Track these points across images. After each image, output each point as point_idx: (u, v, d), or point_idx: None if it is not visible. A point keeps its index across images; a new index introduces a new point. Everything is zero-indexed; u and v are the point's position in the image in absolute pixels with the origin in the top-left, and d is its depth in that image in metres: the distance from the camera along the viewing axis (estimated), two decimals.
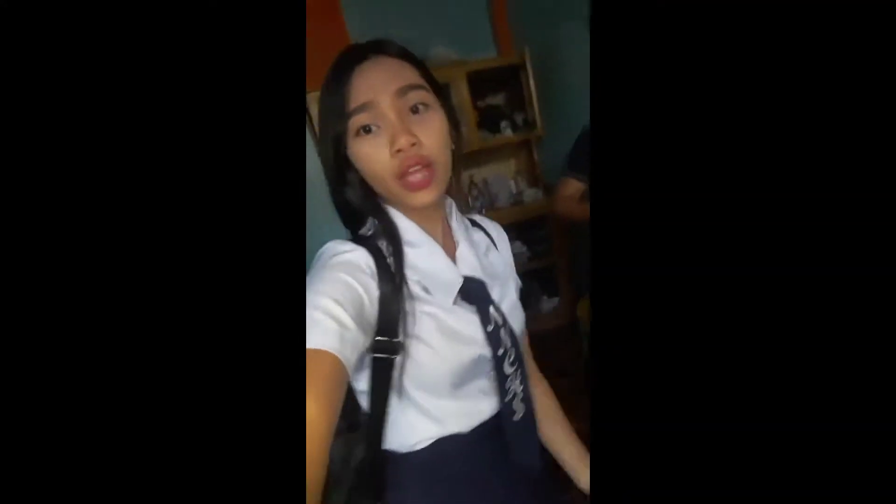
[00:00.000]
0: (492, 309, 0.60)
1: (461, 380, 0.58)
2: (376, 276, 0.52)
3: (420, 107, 0.53)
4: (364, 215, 0.59)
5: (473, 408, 0.60)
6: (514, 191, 2.78)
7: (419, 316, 0.55)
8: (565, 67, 2.20)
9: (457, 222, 0.64)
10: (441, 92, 0.57)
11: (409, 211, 0.58)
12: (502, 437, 0.61)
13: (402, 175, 0.51)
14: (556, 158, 2.28)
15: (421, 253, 0.58)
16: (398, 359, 0.54)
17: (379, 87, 0.51)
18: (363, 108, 0.51)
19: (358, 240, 0.56)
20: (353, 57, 0.53)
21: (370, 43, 0.55)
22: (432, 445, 0.58)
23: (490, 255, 0.68)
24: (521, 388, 0.63)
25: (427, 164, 0.52)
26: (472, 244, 0.64)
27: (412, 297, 0.55)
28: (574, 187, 1.41)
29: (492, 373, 0.60)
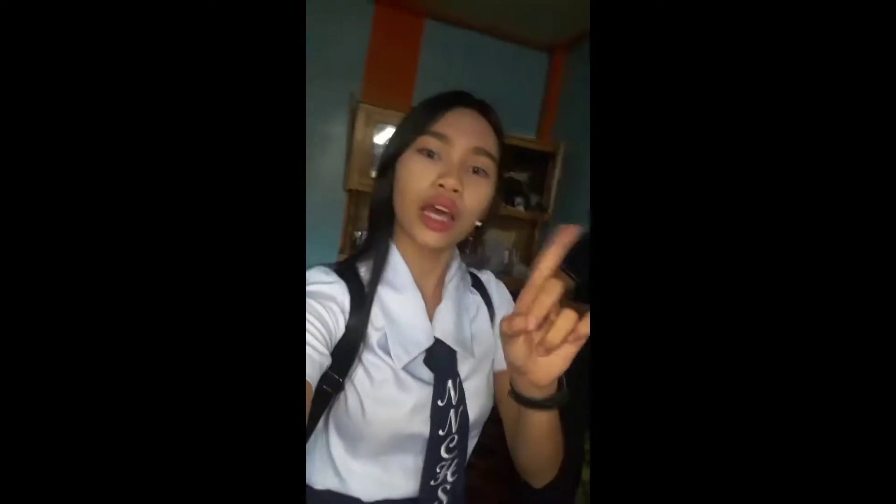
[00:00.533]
0: (450, 383, 0.56)
1: (383, 449, 0.55)
2: (347, 313, 0.53)
3: (481, 171, 0.56)
4: (368, 240, 0.60)
5: (386, 480, 0.56)
6: (506, 261, 2.89)
7: (364, 366, 0.53)
8: (584, 169, 2.35)
9: (453, 277, 0.62)
10: (502, 168, 0.60)
11: (409, 252, 0.58)
12: None
13: (426, 207, 0.53)
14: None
15: (400, 300, 0.56)
16: (334, 398, 0.53)
17: (464, 133, 0.55)
18: (440, 136, 0.55)
19: (342, 268, 0.56)
20: (458, 99, 0.58)
21: (478, 100, 0.60)
22: (329, 494, 0.56)
23: (477, 322, 0.64)
24: (454, 478, 0.58)
25: (453, 215, 0.54)
26: (459, 307, 0.61)
27: (366, 344, 0.54)
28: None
29: (423, 453, 0.56)
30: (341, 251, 2.40)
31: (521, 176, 2.94)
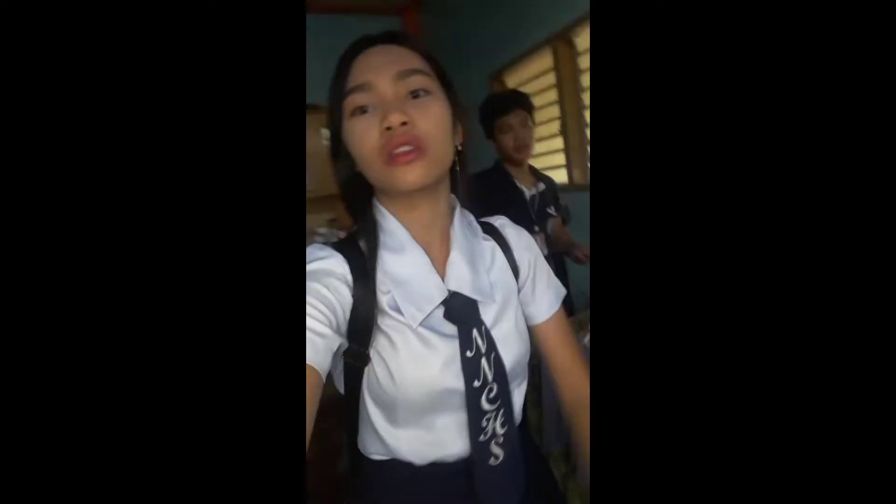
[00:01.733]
0: (475, 333, 0.54)
1: (423, 411, 0.53)
2: (350, 283, 0.51)
3: (421, 92, 0.50)
4: (353, 211, 0.57)
5: (434, 440, 0.54)
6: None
7: (383, 331, 0.52)
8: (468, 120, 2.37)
9: (459, 229, 0.58)
10: (449, 84, 0.54)
11: (402, 210, 0.54)
12: (471, 482, 0.55)
13: (388, 153, 0.48)
14: None
15: (402, 260, 0.54)
16: (366, 369, 0.52)
17: (378, 69, 0.50)
18: (360, 88, 0.49)
19: (339, 244, 0.55)
20: (362, 45, 0.53)
21: (380, 33, 0.54)
22: (384, 462, 0.56)
23: (495, 269, 0.60)
24: (504, 429, 0.56)
25: (418, 146, 0.48)
26: (473, 255, 0.58)
27: (378, 309, 0.52)
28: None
29: (464, 408, 0.53)
30: None
31: None
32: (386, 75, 0.49)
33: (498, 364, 0.54)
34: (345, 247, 0.53)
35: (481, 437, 0.53)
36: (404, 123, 0.48)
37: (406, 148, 0.48)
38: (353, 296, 0.50)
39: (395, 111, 0.47)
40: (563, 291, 0.65)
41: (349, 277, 0.50)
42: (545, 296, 0.63)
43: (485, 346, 0.53)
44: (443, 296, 0.52)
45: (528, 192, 1.51)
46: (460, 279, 0.54)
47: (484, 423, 0.53)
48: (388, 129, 0.48)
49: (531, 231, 1.50)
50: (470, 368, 0.52)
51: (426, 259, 0.53)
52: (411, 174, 0.48)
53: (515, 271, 0.62)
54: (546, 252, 1.53)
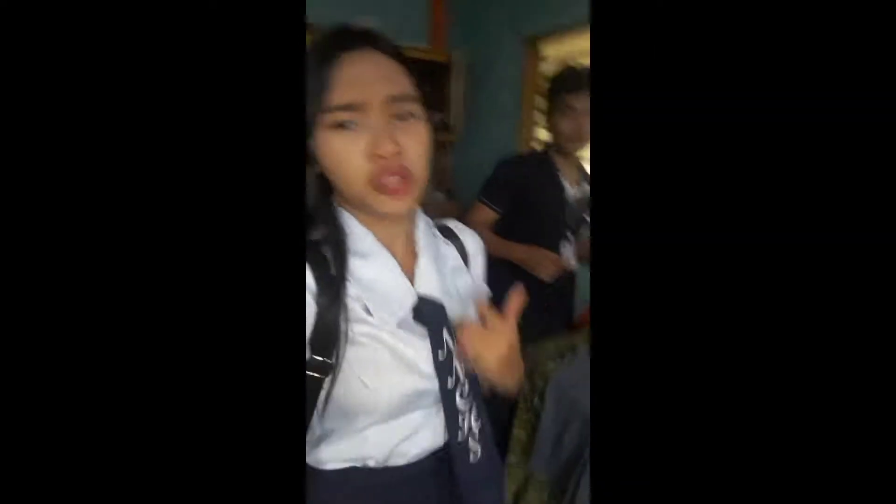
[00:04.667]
0: (446, 334, 0.54)
1: (396, 412, 0.53)
2: (314, 292, 0.49)
3: (408, 115, 0.49)
4: (314, 216, 0.53)
5: (402, 436, 0.54)
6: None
7: (355, 339, 0.50)
8: (496, 82, 2.24)
9: (424, 233, 0.58)
10: (425, 100, 0.52)
11: (367, 217, 0.53)
12: (444, 481, 0.56)
13: (376, 180, 0.47)
14: (468, 169, 2.18)
15: (370, 265, 0.52)
16: (327, 380, 0.50)
17: (372, 89, 0.47)
18: (346, 107, 0.46)
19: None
20: (343, 42, 0.48)
21: (363, 31, 0.50)
22: (341, 471, 0.54)
23: (457, 272, 0.62)
24: (478, 424, 0.57)
25: (408, 177, 0.48)
26: (437, 259, 0.58)
27: (348, 317, 0.50)
28: (485, 214, 1.35)
29: (437, 406, 0.55)
30: None
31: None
32: (378, 97, 0.47)
33: (467, 363, 0.55)
34: (308, 254, 0.51)
35: (459, 437, 0.54)
36: (397, 154, 0.47)
37: (396, 179, 0.47)
38: (317, 305, 0.49)
39: (388, 140, 0.46)
40: (487, 292, 0.68)
41: (313, 286, 0.49)
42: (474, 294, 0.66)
43: (455, 346, 0.54)
44: (412, 300, 0.53)
45: (570, 191, 1.32)
46: (429, 283, 0.55)
47: (461, 422, 0.55)
48: (380, 157, 0.46)
49: (563, 238, 1.35)
50: (443, 370, 0.53)
51: (394, 263, 0.54)
52: (400, 205, 0.49)
53: (469, 270, 0.65)
54: (574, 266, 1.36)
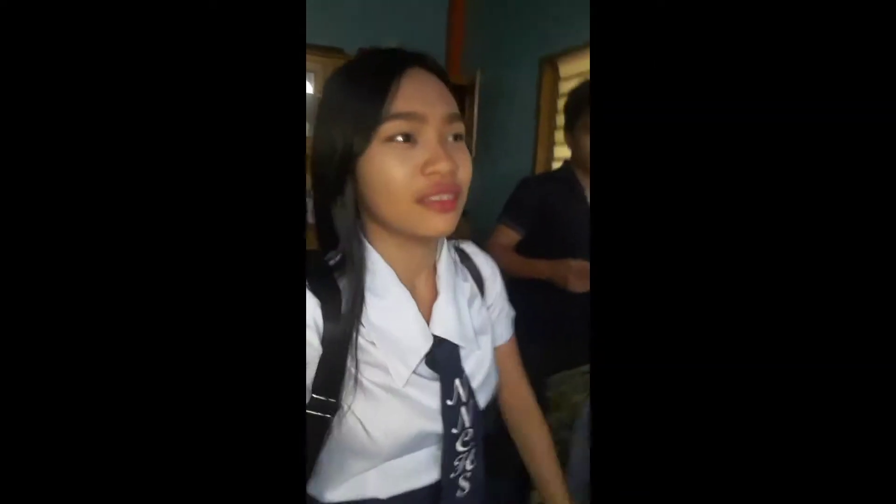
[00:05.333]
0: (457, 382, 0.52)
1: (395, 454, 0.51)
2: (321, 331, 0.47)
3: (459, 136, 0.49)
4: (341, 240, 0.51)
5: (404, 474, 0.52)
6: None
7: (362, 385, 0.48)
8: (514, 103, 2.23)
9: (446, 266, 0.56)
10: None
11: (395, 246, 0.51)
12: None
13: (425, 195, 0.46)
14: (482, 190, 1.92)
15: (385, 307, 0.50)
16: (334, 419, 0.48)
17: (432, 103, 0.47)
18: (409, 116, 0.45)
19: (314, 281, 0.49)
20: (398, 62, 0.48)
21: (415, 53, 0.50)
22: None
23: (474, 306, 0.59)
24: (473, 465, 0.56)
25: (457, 195, 0.47)
26: (457, 296, 0.55)
27: (357, 359, 0.48)
28: (508, 236, 1.33)
29: (438, 444, 0.53)
30: None
31: None
32: (439, 113, 0.47)
33: (475, 411, 0.54)
34: (321, 286, 0.48)
35: (451, 475, 0.54)
36: (452, 172, 0.46)
37: (448, 196, 0.47)
38: (323, 345, 0.47)
39: (446, 157, 0.46)
40: (513, 313, 0.67)
41: (320, 322, 0.47)
42: (502, 321, 0.66)
43: (465, 394, 0.53)
44: (428, 344, 0.51)
45: None
46: (447, 325, 0.53)
47: (456, 463, 0.54)
48: (434, 173, 0.46)
49: (588, 254, 1.31)
50: (449, 416, 0.51)
51: (412, 304, 0.51)
52: (444, 223, 0.47)
53: (487, 305, 0.62)
54: None
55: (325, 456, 0.51)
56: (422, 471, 0.54)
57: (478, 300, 0.61)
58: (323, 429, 0.49)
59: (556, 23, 2.03)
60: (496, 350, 0.63)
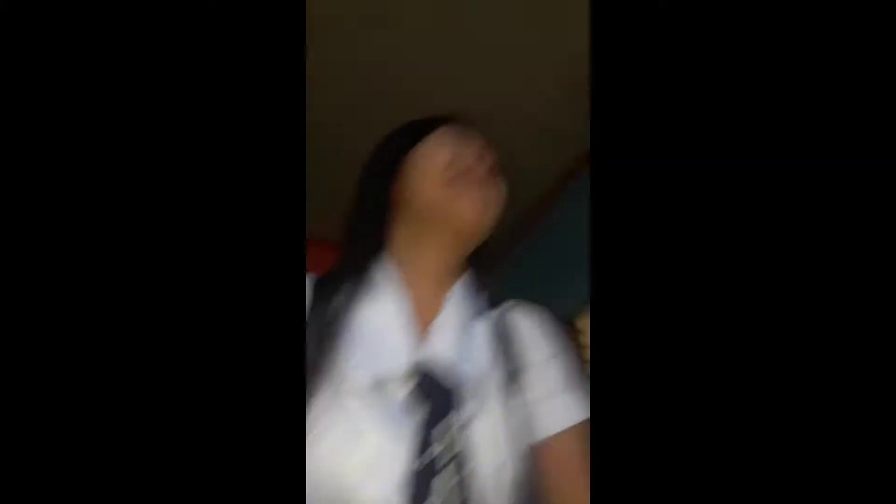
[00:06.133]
0: (434, 432, 0.38)
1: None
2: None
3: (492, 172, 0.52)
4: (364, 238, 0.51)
5: None
6: None
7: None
8: None
9: (460, 291, 0.49)
10: None
11: (408, 251, 0.49)
12: None
13: (455, 179, 0.48)
14: None
15: (376, 303, 0.45)
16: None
17: (468, 139, 0.53)
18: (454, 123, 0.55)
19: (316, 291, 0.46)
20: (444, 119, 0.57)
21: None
22: None
23: (486, 356, 0.46)
24: None
25: (494, 176, 0.49)
26: (465, 325, 0.46)
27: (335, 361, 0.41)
28: None
29: None
30: None
31: None
32: (474, 145, 0.53)
33: (463, 487, 0.36)
34: (322, 280, 0.47)
35: None
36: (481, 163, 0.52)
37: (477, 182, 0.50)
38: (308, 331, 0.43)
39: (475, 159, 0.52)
40: (583, 399, 0.48)
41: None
42: (554, 402, 0.46)
43: (449, 454, 0.36)
44: (407, 364, 0.41)
45: None
46: (442, 348, 0.42)
47: None
48: (467, 167, 0.50)
49: None
50: (416, 485, 0.35)
51: (404, 307, 0.46)
52: (476, 206, 0.48)
53: (514, 370, 0.46)
54: None
55: None
56: None
57: (490, 353, 0.47)
58: None
59: None
60: (541, 444, 0.45)
